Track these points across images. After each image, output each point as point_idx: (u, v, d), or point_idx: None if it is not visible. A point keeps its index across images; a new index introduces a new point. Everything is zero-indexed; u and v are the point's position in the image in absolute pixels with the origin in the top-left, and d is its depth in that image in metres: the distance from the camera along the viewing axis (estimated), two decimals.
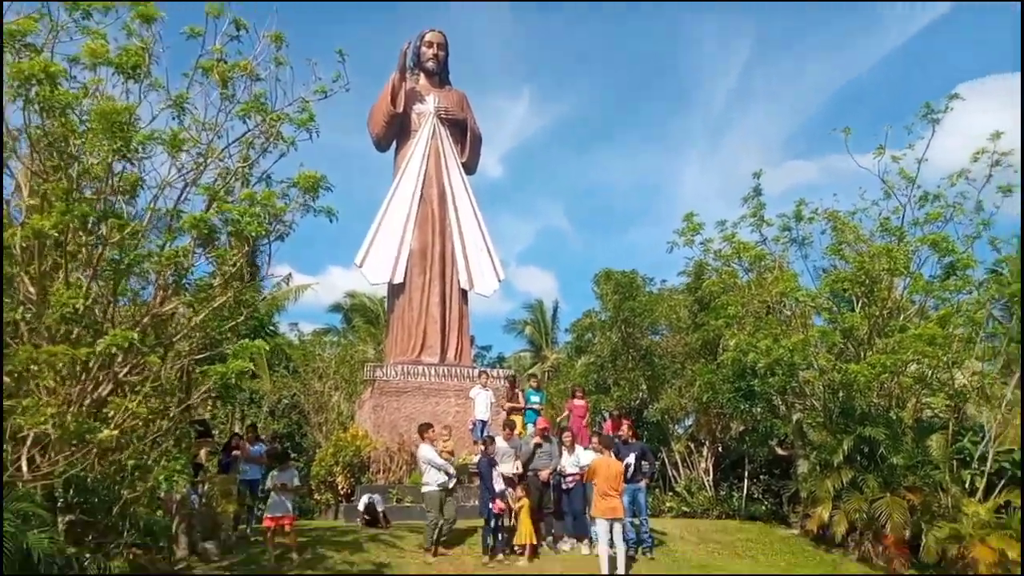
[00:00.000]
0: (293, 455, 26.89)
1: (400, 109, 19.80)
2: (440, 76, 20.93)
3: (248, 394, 29.45)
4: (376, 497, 13.72)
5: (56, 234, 7.88)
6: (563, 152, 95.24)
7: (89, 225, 8.90)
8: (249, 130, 9.75)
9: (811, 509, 14.94)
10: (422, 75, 20.71)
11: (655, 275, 24.21)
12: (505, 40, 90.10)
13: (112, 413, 7.95)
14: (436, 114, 20.20)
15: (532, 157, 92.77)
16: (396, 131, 20.38)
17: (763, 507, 19.23)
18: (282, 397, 30.20)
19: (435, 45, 20.61)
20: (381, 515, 13.49)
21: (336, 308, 40.88)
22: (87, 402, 8.74)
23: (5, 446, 7.56)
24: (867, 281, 15.04)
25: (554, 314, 42.28)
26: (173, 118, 8.76)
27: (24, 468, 7.58)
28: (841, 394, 15.36)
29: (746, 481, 20.10)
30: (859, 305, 15.69)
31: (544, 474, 12.66)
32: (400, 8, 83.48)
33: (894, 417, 14.99)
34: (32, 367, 7.46)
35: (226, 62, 9.30)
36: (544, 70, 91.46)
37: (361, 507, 13.63)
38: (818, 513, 14.47)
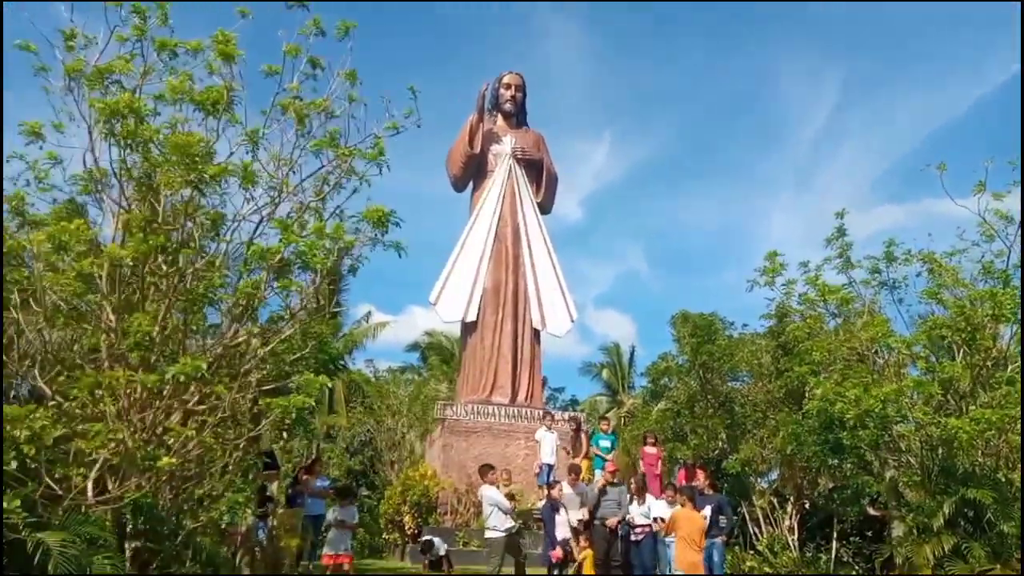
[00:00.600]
0: (366, 493, 27.02)
1: (477, 150, 20.05)
2: (517, 117, 21.16)
3: (326, 429, 29.88)
4: (438, 540, 13.43)
5: (131, 263, 8.12)
6: (643, 194, 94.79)
7: (169, 256, 9.18)
8: (323, 165, 9.94)
9: None
10: (499, 116, 20.99)
11: (736, 319, 23.25)
12: (586, 84, 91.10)
13: (172, 441, 8.03)
14: (512, 155, 20.35)
15: (612, 200, 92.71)
16: (473, 171, 20.64)
17: (854, 572, 17.82)
18: (357, 433, 30.51)
19: (513, 87, 20.89)
20: (443, 559, 13.18)
21: (414, 347, 41.43)
22: (159, 430, 8.90)
23: (72, 470, 7.72)
24: (968, 328, 13.91)
25: (631, 358, 41.62)
26: (247, 153, 9.01)
27: (89, 492, 7.70)
28: (940, 451, 14.13)
29: (835, 543, 18.72)
30: (960, 354, 14.52)
31: (611, 522, 12.08)
32: (481, 54, 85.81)
33: (1003, 479, 13.67)
34: (97, 392, 7.63)
35: (302, 99, 9.54)
36: (625, 112, 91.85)
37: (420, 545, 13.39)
38: None
